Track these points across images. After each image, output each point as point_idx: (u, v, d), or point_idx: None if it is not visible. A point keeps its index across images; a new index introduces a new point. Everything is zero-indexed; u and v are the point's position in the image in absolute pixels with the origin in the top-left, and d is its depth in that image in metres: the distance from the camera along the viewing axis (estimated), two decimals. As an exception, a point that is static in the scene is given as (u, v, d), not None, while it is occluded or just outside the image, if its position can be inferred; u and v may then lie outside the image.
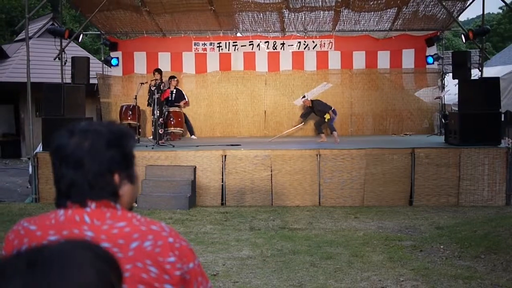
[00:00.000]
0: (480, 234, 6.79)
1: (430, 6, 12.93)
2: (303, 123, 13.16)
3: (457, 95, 10.74)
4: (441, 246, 6.60)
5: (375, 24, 14.12)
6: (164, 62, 14.21)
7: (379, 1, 12.65)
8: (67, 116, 10.22)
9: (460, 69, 10.70)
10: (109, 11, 13.10)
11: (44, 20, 19.50)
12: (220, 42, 14.32)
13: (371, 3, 12.77)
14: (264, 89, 14.34)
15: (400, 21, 13.89)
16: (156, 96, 11.14)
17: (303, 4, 12.93)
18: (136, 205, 8.86)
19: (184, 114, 13.28)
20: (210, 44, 14.35)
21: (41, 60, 15.94)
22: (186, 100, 13.33)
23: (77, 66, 11.10)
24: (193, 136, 13.49)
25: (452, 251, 6.38)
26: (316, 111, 12.32)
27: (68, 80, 11.33)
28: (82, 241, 0.96)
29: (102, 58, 14.90)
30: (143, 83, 11.63)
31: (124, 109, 12.86)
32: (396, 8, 13.15)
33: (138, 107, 12.35)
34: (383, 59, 14.24)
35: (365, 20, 13.87)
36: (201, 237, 7.29)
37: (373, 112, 14.28)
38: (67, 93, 10.54)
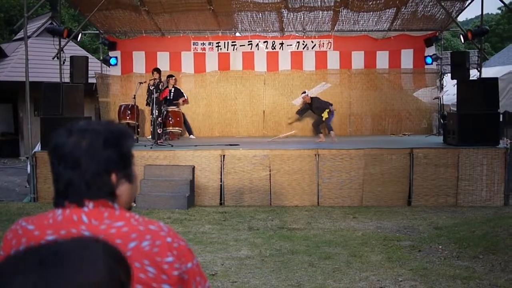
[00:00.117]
0: (479, 234, 6.80)
1: (429, 6, 12.94)
2: (294, 131, 13.16)
3: (455, 96, 10.75)
4: (440, 246, 6.61)
5: (374, 24, 14.12)
6: (163, 61, 14.21)
7: (378, 1, 12.66)
8: (65, 116, 10.21)
9: (459, 70, 10.71)
10: (108, 11, 13.10)
11: (43, 19, 19.48)
12: (219, 42, 14.32)
13: (370, 3, 12.77)
14: (263, 89, 14.34)
15: (399, 21, 13.90)
16: (155, 95, 11.13)
17: (302, 4, 12.94)
18: (134, 204, 8.85)
19: (183, 114, 13.27)
20: (209, 43, 14.34)
21: (39, 59, 15.91)
22: (185, 97, 13.31)
23: (75, 66, 11.09)
24: (191, 136, 13.48)
25: (450, 251, 6.38)
26: (314, 108, 12.31)
27: (67, 80, 11.32)
28: (93, 238, 0.96)
29: (101, 58, 14.89)
30: (141, 83, 11.62)
31: (122, 108, 12.85)
32: (395, 8, 13.16)
33: (137, 106, 12.35)
34: (382, 59, 14.24)
35: (364, 20, 13.87)
36: (199, 237, 7.28)
37: (371, 112, 14.29)
38: (65, 92, 10.53)
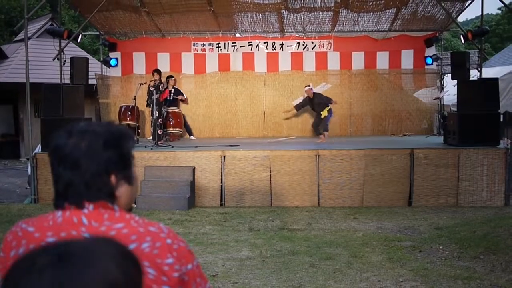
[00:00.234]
0: (479, 235, 6.79)
1: (429, 6, 12.94)
2: (294, 136, 13.17)
3: (456, 96, 10.75)
4: (440, 247, 6.60)
5: (374, 24, 14.12)
6: (163, 62, 14.21)
7: (378, 2, 12.66)
8: (66, 117, 10.21)
9: (459, 70, 10.70)
10: (108, 12, 13.10)
11: (43, 21, 19.49)
12: (219, 43, 14.32)
13: (370, 4, 12.78)
14: (263, 90, 14.34)
15: (399, 22, 13.90)
16: (155, 96, 11.13)
17: (302, 5, 12.94)
18: (135, 205, 8.85)
19: (183, 115, 13.27)
20: (209, 44, 14.35)
21: (40, 60, 15.92)
22: (185, 97, 13.26)
23: (76, 67, 11.09)
24: (192, 137, 13.48)
25: (451, 252, 6.38)
26: (315, 103, 12.32)
27: (67, 81, 11.32)
28: (106, 238, 0.97)
29: (101, 59, 14.90)
30: (142, 84, 11.63)
31: (123, 109, 12.86)
32: (395, 9, 13.16)
33: (137, 107, 12.35)
34: (382, 60, 14.24)
35: (364, 20, 13.87)
36: (200, 238, 7.28)
37: (372, 113, 14.28)
38: (66, 93, 10.53)
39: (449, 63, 12.57)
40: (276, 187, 9.70)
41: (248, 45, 14.32)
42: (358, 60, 14.24)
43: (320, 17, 13.73)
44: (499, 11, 37.54)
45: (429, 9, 13.09)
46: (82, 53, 17.59)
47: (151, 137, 11.79)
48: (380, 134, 14.00)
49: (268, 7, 13.12)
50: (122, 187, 1.35)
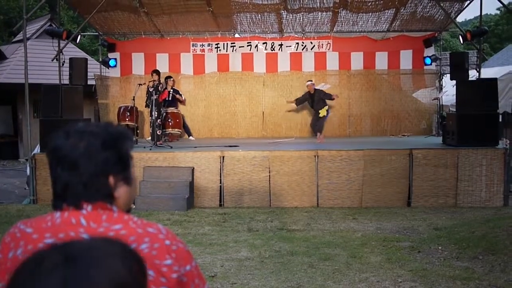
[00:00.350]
0: (478, 235, 6.80)
1: (428, 7, 12.95)
2: (293, 138, 13.18)
3: (455, 96, 10.76)
4: (439, 247, 6.61)
5: (373, 25, 14.13)
6: (162, 63, 14.20)
7: (377, 2, 12.67)
8: (65, 117, 10.21)
9: (458, 70, 10.71)
10: (107, 12, 13.10)
11: (42, 21, 19.49)
12: (218, 43, 14.32)
13: (369, 4, 12.78)
14: (262, 90, 14.34)
15: (398, 22, 13.91)
16: (154, 97, 11.13)
17: (301, 5, 12.94)
18: (134, 206, 8.85)
19: (182, 115, 13.27)
20: (208, 45, 14.35)
21: (39, 61, 15.90)
22: (183, 98, 13.24)
23: (75, 67, 11.08)
24: (191, 137, 13.47)
25: (450, 252, 6.38)
26: (315, 100, 12.34)
27: (66, 81, 11.32)
28: (113, 238, 0.98)
29: (100, 59, 14.88)
30: (141, 84, 11.62)
31: (122, 110, 12.86)
32: (394, 9, 13.17)
33: (136, 108, 12.34)
34: (381, 60, 14.25)
35: (363, 21, 13.88)
36: (199, 238, 7.28)
37: (371, 113, 14.29)
38: (65, 94, 10.53)
39: (448, 64, 12.58)
40: (275, 188, 9.69)
41: (247, 46, 14.32)
42: (357, 60, 14.24)
43: (319, 18, 13.74)
44: (498, 12, 37.58)
45: (428, 10, 13.10)
46: (81, 54, 17.57)
47: (150, 138, 11.78)
48: (379, 135, 14.00)
49: (267, 8, 13.13)
50: (120, 188, 1.35)
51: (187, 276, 1.28)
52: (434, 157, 9.64)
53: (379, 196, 9.64)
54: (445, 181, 9.59)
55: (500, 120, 11.65)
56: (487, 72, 14.50)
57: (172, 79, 12.88)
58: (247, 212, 9.07)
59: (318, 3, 12.87)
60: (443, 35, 15.24)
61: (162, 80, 12.12)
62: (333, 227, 7.94)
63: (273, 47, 14.34)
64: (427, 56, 14.00)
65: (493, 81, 10.37)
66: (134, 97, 11.60)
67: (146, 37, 14.52)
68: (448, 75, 12.38)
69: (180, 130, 13.02)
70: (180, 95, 13.05)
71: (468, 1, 12.42)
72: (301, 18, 13.70)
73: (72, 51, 16.01)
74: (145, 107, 12.82)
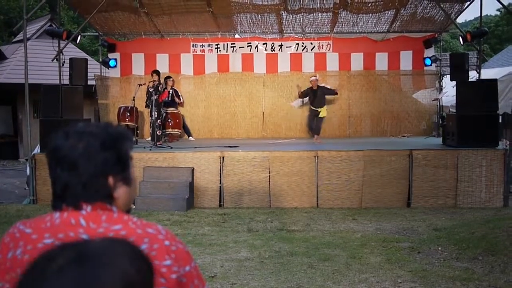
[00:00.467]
0: (478, 236, 6.80)
1: (428, 8, 12.95)
2: (293, 139, 13.19)
3: (454, 97, 10.75)
4: (439, 248, 6.61)
5: (373, 26, 14.13)
6: (162, 63, 14.20)
7: (377, 3, 12.67)
8: (65, 118, 10.21)
9: (458, 71, 10.71)
10: (107, 13, 13.10)
11: (42, 21, 19.48)
12: (218, 44, 14.32)
13: (369, 5, 12.78)
14: (262, 91, 14.34)
15: (398, 23, 13.91)
16: (154, 97, 11.13)
17: (301, 6, 12.94)
18: (134, 206, 8.84)
19: (182, 116, 13.27)
20: (208, 45, 14.35)
21: (39, 61, 15.91)
22: (181, 100, 13.25)
23: (75, 68, 11.08)
24: (191, 138, 13.48)
25: (450, 253, 6.38)
26: (318, 96, 12.35)
27: (66, 82, 11.32)
28: (122, 239, 0.99)
29: (100, 60, 14.89)
30: (141, 85, 11.63)
31: (122, 110, 12.86)
32: (394, 10, 13.17)
33: (136, 108, 12.35)
34: (381, 61, 14.25)
35: (363, 22, 13.88)
36: (199, 238, 7.28)
37: (371, 114, 14.29)
38: (65, 94, 10.53)
39: (448, 64, 12.58)
40: (275, 188, 9.69)
41: (247, 46, 14.32)
42: (357, 61, 14.25)
43: (319, 18, 13.74)
44: (498, 13, 37.58)
45: (428, 10, 13.10)
46: (81, 54, 17.58)
47: (150, 138, 11.79)
48: (379, 135, 14.01)
49: (267, 8, 13.13)
50: (120, 188, 1.35)
51: (187, 277, 1.28)
52: (434, 158, 9.64)
53: (379, 196, 9.64)
54: (445, 182, 9.59)
55: (500, 121, 11.66)
56: (487, 73, 14.50)
57: (171, 79, 12.89)
58: (247, 213, 9.07)
59: (318, 4, 12.87)
60: (443, 36, 15.24)
61: (162, 80, 12.12)
62: (333, 228, 7.94)
63: (273, 47, 14.35)
64: (427, 57, 14.00)
65: (493, 82, 10.37)
66: (134, 97, 11.60)
67: (146, 37, 14.53)
68: (448, 76, 12.38)
69: (180, 131, 13.02)
70: (179, 97, 13.06)
71: (468, 2, 12.43)
72: (301, 18, 13.70)
73: (72, 51, 16.01)
74: (145, 107, 12.83)
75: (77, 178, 1.30)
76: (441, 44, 15.14)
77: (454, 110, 11.53)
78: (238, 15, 13.57)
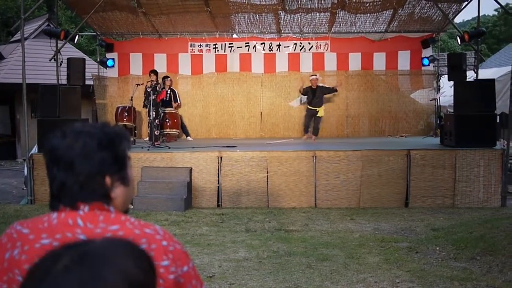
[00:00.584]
0: (476, 236, 6.80)
1: (426, 8, 12.96)
2: (291, 139, 13.21)
3: (452, 97, 10.77)
4: (437, 248, 6.61)
5: (371, 25, 14.14)
6: (160, 63, 14.19)
7: (375, 3, 12.67)
8: (62, 118, 10.19)
9: (456, 71, 10.72)
10: (105, 12, 13.08)
11: (40, 21, 19.44)
12: (216, 44, 14.32)
13: (367, 5, 12.78)
14: (260, 91, 14.34)
15: (395, 23, 13.92)
16: (152, 97, 11.12)
17: (299, 6, 12.94)
18: (132, 206, 8.83)
19: (180, 115, 13.26)
20: (206, 45, 14.34)
21: (36, 61, 15.88)
22: (178, 103, 13.25)
23: (72, 67, 11.06)
24: (189, 138, 13.47)
25: (447, 253, 6.38)
26: (317, 94, 12.41)
27: (64, 81, 11.29)
28: (124, 239, 0.99)
29: (98, 59, 14.86)
30: (139, 84, 11.61)
31: (119, 110, 12.83)
32: (392, 10, 13.18)
33: (134, 108, 12.33)
34: (379, 61, 14.26)
35: (361, 21, 13.89)
36: (197, 239, 7.27)
37: (369, 114, 14.30)
38: (62, 94, 10.51)
39: (446, 64, 12.59)
40: (273, 188, 9.69)
41: (245, 46, 14.32)
42: (355, 61, 14.26)
43: (317, 18, 13.74)
44: (496, 13, 37.65)
45: (425, 10, 13.11)
46: (79, 54, 17.54)
47: (148, 138, 11.77)
48: (377, 135, 14.02)
49: (265, 8, 13.12)
50: (117, 189, 1.35)
51: (184, 277, 1.28)
52: (432, 158, 9.65)
53: (377, 196, 9.64)
54: (443, 182, 9.60)
55: (498, 121, 11.68)
56: (485, 73, 14.54)
57: (169, 79, 12.88)
58: (245, 213, 9.07)
59: (316, 4, 12.87)
60: (441, 36, 15.26)
61: (160, 80, 12.11)
62: (331, 228, 7.94)
63: (271, 47, 14.35)
64: (425, 57, 14.02)
65: (490, 82, 10.38)
66: (132, 97, 11.59)
67: (144, 37, 14.51)
68: (446, 76, 12.39)
69: (178, 131, 13.01)
70: (177, 99, 13.05)
71: (466, 2, 12.43)
72: (299, 18, 13.70)
73: (70, 51, 15.97)
74: (143, 107, 12.81)
75: (74, 178, 1.29)
76: (439, 44, 15.17)
77: (452, 110, 11.53)
78: (236, 15, 13.56)
